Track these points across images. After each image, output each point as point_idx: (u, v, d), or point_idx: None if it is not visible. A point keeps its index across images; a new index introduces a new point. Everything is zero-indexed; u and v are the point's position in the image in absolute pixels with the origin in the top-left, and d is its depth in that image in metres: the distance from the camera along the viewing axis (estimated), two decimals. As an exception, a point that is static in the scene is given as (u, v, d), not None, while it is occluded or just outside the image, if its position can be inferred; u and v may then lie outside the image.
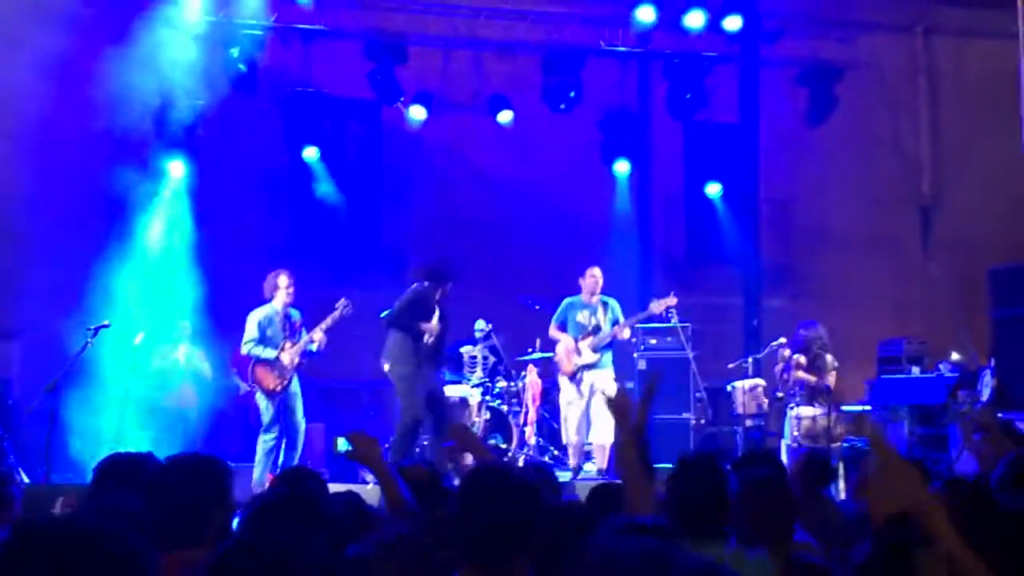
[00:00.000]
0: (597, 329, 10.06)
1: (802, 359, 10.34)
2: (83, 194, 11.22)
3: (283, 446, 9.34)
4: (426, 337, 9.05)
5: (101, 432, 9.98)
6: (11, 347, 10.60)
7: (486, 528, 2.81)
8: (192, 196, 11.83)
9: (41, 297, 10.47)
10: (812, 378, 10.25)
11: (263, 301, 9.61)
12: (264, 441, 9.27)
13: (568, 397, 10.13)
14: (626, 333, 10.31)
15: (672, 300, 10.19)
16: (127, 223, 11.48)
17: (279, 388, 9.34)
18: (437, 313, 9.22)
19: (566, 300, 10.30)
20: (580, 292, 10.26)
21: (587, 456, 10.30)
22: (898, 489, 2.49)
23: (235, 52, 11.67)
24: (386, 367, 9.15)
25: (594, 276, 10.20)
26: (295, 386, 9.51)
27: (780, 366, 10.63)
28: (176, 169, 11.83)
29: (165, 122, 11.65)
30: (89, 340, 9.17)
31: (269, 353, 9.38)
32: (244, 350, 9.45)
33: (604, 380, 9.98)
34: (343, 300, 9.65)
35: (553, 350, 10.35)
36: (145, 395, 10.18)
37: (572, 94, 12.73)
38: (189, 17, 11.26)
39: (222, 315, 10.35)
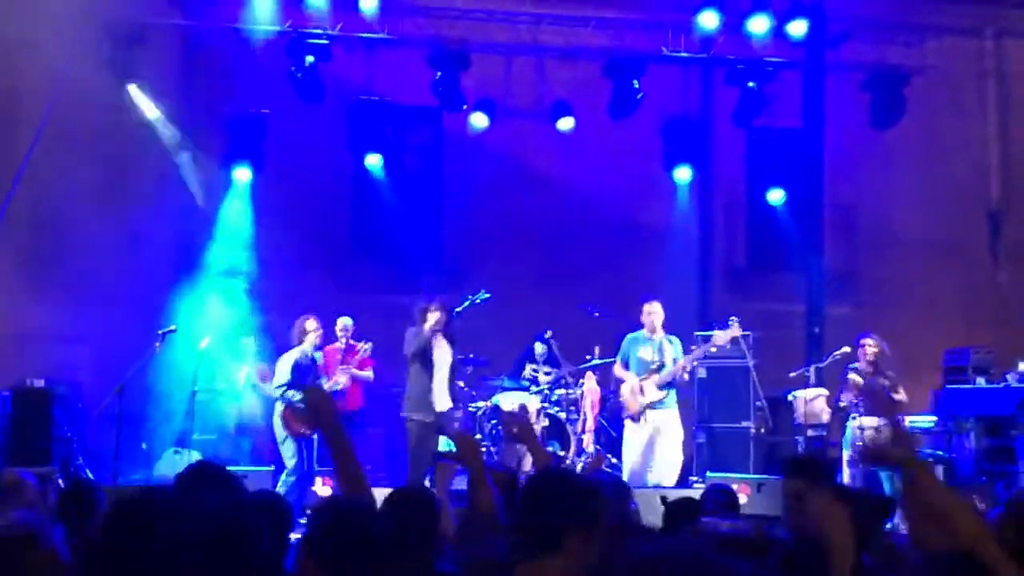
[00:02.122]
0: (661, 366, 9.82)
1: (858, 378, 10.03)
2: (150, 201, 11.47)
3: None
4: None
5: (167, 436, 10.21)
6: (81, 351, 10.87)
7: (543, 528, 2.89)
8: (257, 203, 12.04)
9: (111, 302, 10.72)
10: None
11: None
12: (285, 482, 9.16)
13: (630, 436, 9.91)
14: (688, 368, 9.97)
15: (737, 331, 9.93)
16: (194, 229, 11.73)
17: (308, 432, 9.30)
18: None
19: (629, 336, 10.03)
20: (641, 327, 10.00)
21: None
22: (951, 528, 2.48)
23: (310, 59, 11.84)
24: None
25: (652, 313, 9.88)
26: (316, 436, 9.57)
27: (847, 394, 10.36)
28: (242, 176, 12.05)
29: (231, 130, 11.90)
30: (157, 344, 9.37)
31: (299, 397, 9.24)
32: (276, 393, 9.41)
33: (669, 420, 9.84)
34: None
35: (614, 355, 10.28)
36: (210, 403, 10.35)
37: (636, 99, 12.70)
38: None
39: (285, 328, 10.42)
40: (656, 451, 9.74)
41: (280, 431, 9.29)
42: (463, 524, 3.96)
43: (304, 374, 9.41)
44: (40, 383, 9.81)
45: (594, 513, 2.95)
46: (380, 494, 3.69)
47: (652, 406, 9.78)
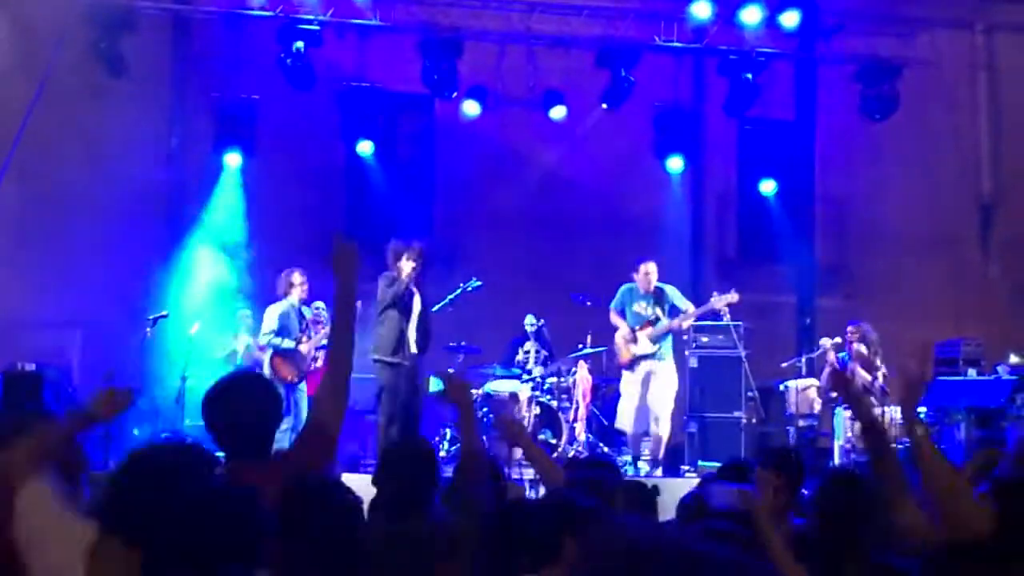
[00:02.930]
0: (656, 320, 9.96)
1: (864, 349, 10.22)
2: (140, 187, 11.41)
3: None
4: None
5: (159, 420, 10.16)
6: (73, 335, 10.82)
7: (540, 540, 2.91)
8: (247, 188, 11.98)
9: (101, 286, 10.66)
10: (868, 376, 10.15)
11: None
12: (278, 438, 9.17)
13: (625, 386, 10.09)
14: (686, 324, 10.24)
15: (734, 297, 10.03)
16: (185, 214, 11.68)
17: (295, 379, 9.51)
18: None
19: (625, 286, 10.18)
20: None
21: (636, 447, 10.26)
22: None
23: (301, 45, 11.77)
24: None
25: (649, 274, 10.04)
26: (302, 391, 9.67)
27: (829, 369, 10.47)
28: (233, 161, 11.99)
29: (222, 116, 11.84)
30: (148, 329, 9.33)
31: (289, 343, 9.57)
32: (263, 341, 9.63)
33: (664, 371, 9.94)
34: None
35: (607, 343, 10.32)
36: (201, 385, 10.30)
37: (629, 88, 12.67)
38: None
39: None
40: (651, 402, 9.86)
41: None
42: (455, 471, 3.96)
43: (291, 324, 9.56)
44: (31, 367, 9.77)
45: (587, 522, 2.95)
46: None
47: (644, 357, 9.90)
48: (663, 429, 9.81)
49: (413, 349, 9.12)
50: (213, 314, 10.62)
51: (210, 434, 3.33)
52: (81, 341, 10.87)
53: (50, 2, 10.21)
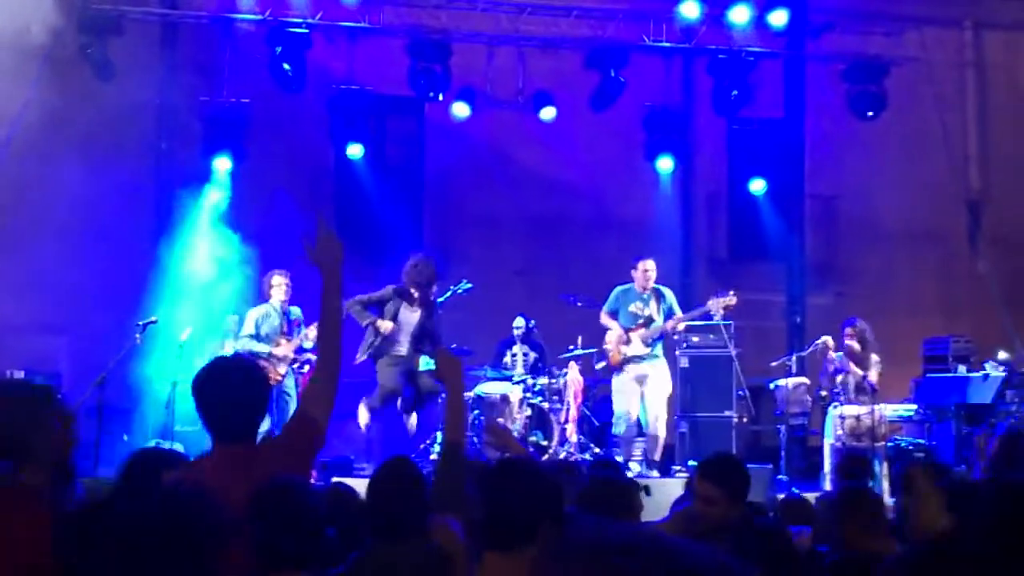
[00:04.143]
0: (650, 321, 9.96)
1: (856, 346, 10.24)
2: (129, 190, 11.39)
3: None
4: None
5: (148, 427, 10.15)
6: (60, 342, 10.80)
7: (504, 519, 2.91)
8: (237, 192, 11.96)
9: (90, 293, 10.65)
10: (860, 372, 10.16)
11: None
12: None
13: (617, 387, 10.09)
14: (680, 327, 10.25)
15: (732, 300, 10.04)
16: (174, 219, 11.66)
17: (273, 383, 9.55)
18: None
19: (619, 288, 10.19)
20: (632, 281, 10.17)
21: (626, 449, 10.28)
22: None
23: (290, 48, 11.77)
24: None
25: (647, 271, 10.07)
26: (289, 386, 9.72)
27: (833, 366, 10.51)
28: (222, 165, 11.97)
29: (211, 120, 11.82)
30: (137, 336, 9.33)
31: (262, 348, 9.65)
32: (238, 345, 9.69)
33: (659, 372, 9.94)
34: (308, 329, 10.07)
35: (598, 344, 10.33)
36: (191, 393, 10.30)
37: (618, 89, 12.68)
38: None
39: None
40: (647, 402, 9.86)
41: None
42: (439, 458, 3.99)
43: (269, 326, 9.68)
44: (20, 374, 9.73)
45: (561, 503, 2.97)
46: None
47: (635, 359, 9.88)
48: (661, 429, 9.82)
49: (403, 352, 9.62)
50: (203, 320, 10.60)
51: (200, 415, 3.37)
52: (70, 347, 10.85)
53: (39, 6, 10.19)
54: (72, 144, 10.90)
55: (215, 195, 11.84)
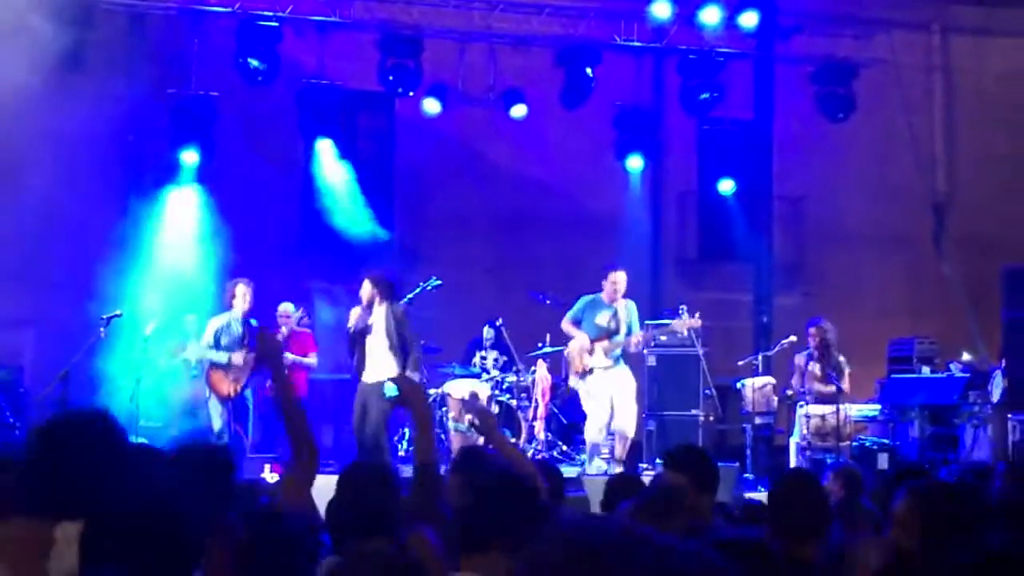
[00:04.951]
0: (616, 332, 9.88)
1: (817, 371, 10.30)
2: (96, 184, 11.27)
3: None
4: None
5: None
6: (24, 335, 10.68)
7: (491, 521, 2.91)
8: (205, 186, 11.87)
9: (54, 286, 10.53)
10: (829, 389, 10.17)
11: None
12: None
13: (586, 397, 9.94)
14: (639, 345, 10.15)
15: (696, 322, 10.01)
16: (140, 213, 11.56)
17: (232, 393, 9.58)
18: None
19: (586, 298, 10.01)
20: (600, 291, 10.00)
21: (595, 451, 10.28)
22: None
23: (258, 42, 11.68)
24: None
25: (617, 282, 9.88)
26: (248, 397, 9.73)
27: (796, 379, 10.58)
28: (189, 159, 11.87)
29: (179, 113, 11.72)
30: (102, 329, 9.24)
31: (220, 357, 9.62)
32: (198, 354, 9.70)
33: (621, 374, 9.88)
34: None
35: (565, 343, 10.29)
36: (155, 387, 10.22)
37: (589, 87, 12.69)
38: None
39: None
40: (615, 401, 9.77)
41: (204, 392, 9.62)
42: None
43: (230, 336, 9.64)
44: (-17, 366, 9.64)
45: (538, 504, 2.98)
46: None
47: (599, 370, 9.79)
48: (629, 428, 9.78)
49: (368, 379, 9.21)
50: (168, 314, 10.51)
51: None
52: (34, 341, 10.73)
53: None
54: (38, 135, 10.77)
55: (182, 188, 11.74)
